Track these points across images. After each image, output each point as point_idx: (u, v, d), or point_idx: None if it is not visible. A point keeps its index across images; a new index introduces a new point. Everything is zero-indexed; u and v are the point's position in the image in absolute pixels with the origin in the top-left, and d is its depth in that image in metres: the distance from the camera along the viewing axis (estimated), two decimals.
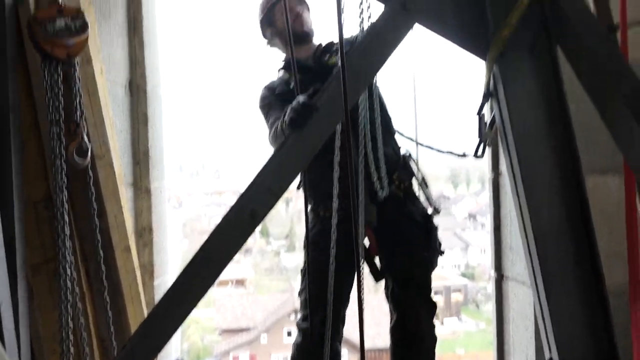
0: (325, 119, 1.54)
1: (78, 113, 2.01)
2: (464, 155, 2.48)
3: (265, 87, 2.70)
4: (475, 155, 1.72)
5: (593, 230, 1.48)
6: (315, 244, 2.52)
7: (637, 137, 1.40)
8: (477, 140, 1.67)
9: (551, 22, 1.50)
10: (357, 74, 1.48)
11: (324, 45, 2.66)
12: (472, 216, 42.35)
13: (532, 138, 1.49)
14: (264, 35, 2.78)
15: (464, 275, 36.18)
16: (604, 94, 1.48)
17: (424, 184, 2.64)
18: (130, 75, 3.42)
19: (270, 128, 2.51)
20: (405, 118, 2.83)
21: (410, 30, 1.54)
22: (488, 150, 3.09)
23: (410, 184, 2.64)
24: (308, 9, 2.71)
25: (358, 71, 1.48)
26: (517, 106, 1.49)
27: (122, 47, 3.33)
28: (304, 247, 2.59)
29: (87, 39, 1.90)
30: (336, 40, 2.42)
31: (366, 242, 2.56)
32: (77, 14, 1.85)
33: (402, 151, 2.68)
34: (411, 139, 2.72)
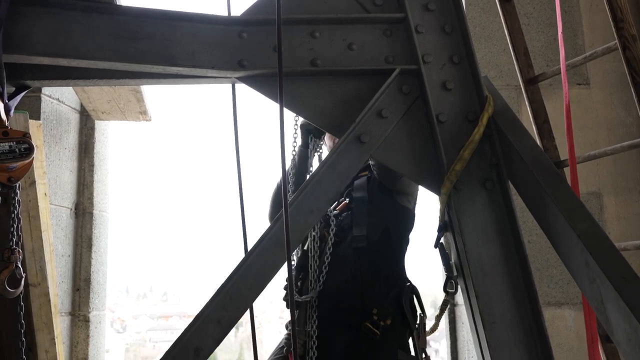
0: (279, 248, 1.47)
1: (14, 239, 1.89)
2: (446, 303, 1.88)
3: None
4: (446, 291, 1.65)
5: None
6: None
7: (594, 272, 1.38)
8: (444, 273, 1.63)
9: (502, 157, 1.53)
10: (309, 207, 1.44)
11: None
12: None
13: (489, 273, 1.46)
14: None
15: None
16: (557, 228, 1.47)
17: (417, 329, 2.24)
18: (77, 198, 3.33)
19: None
20: None
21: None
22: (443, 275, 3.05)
23: (395, 325, 2.24)
24: None
25: (309, 204, 1.44)
26: (473, 240, 1.47)
27: (70, 170, 3.26)
28: None
29: (31, 162, 1.83)
30: None
31: None
32: (23, 138, 1.78)
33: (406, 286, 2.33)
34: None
